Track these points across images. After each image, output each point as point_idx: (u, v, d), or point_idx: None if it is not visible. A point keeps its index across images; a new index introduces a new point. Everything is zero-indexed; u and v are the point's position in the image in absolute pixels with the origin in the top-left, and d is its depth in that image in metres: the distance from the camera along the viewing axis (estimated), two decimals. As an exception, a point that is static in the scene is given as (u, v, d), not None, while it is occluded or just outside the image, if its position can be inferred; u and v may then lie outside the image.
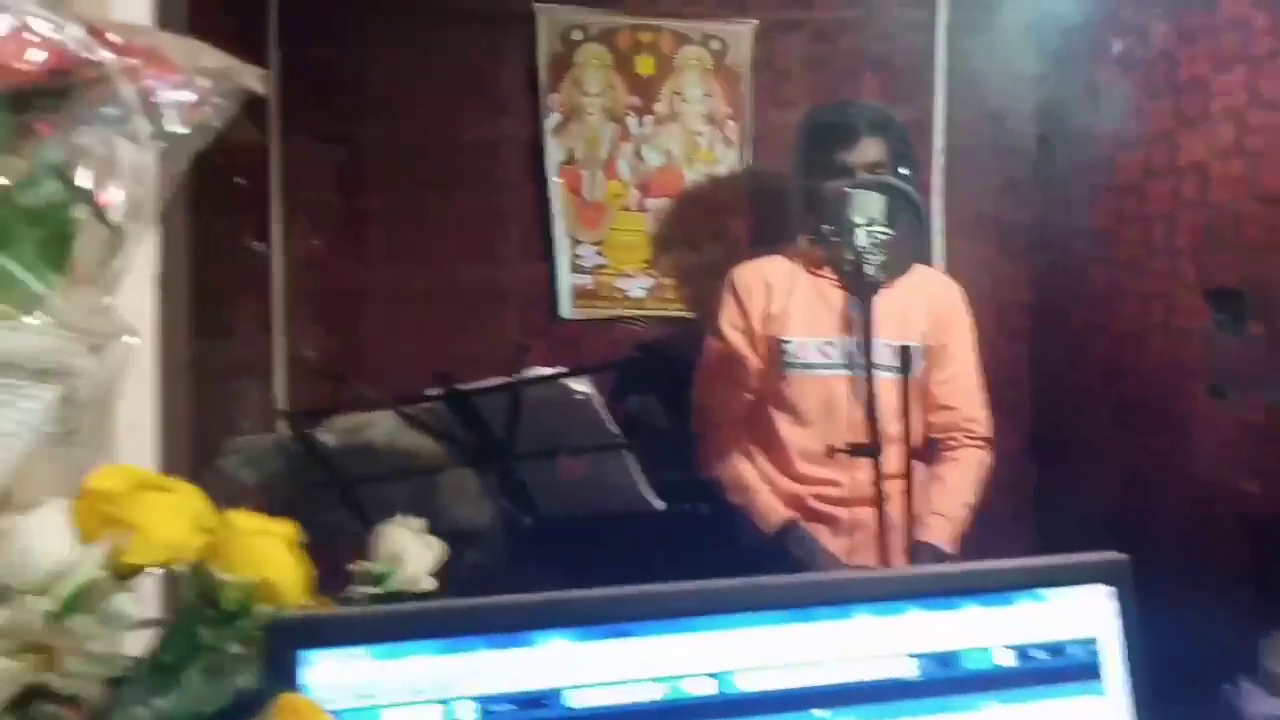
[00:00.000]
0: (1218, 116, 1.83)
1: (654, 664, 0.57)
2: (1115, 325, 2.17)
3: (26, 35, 0.57)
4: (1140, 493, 2.05)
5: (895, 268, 1.59)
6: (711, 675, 0.57)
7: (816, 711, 0.58)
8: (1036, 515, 2.41)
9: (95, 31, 0.62)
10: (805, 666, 0.59)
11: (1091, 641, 0.63)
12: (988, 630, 0.62)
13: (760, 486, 1.78)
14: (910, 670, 0.60)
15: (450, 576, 0.70)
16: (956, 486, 1.79)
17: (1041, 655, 0.62)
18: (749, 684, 0.58)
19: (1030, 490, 2.42)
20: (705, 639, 0.58)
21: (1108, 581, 0.63)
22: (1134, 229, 2.10)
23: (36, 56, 0.58)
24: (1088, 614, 0.63)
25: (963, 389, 1.82)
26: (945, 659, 0.60)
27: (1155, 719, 0.61)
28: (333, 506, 1.20)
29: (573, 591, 0.58)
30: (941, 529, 1.73)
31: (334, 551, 0.70)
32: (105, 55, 0.62)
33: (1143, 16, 2.07)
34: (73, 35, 0.60)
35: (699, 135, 2.40)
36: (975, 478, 1.80)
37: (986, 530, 1.83)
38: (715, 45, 2.40)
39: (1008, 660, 0.61)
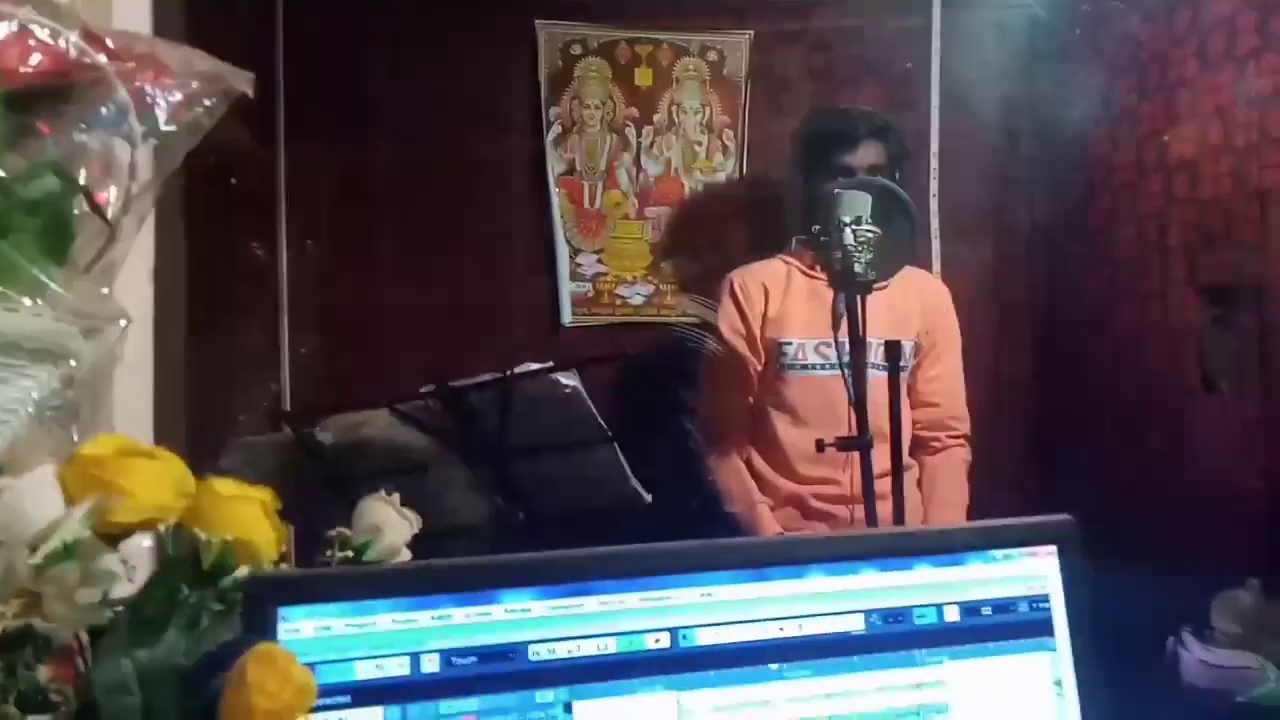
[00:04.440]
0: (1206, 115, 1.85)
1: (612, 620, 0.60)
2: (1113, 325, 2.18)
3: (27, 40, 0.61)
4: (1140, 491, 2.06)
5: (886, 267, 1.60)
6: (668, 630, 0.60)
7: (771, 665, 0.61)
8: (1040, 514, 2.41)
9: (92, 37, 0.66)
10: (760, 623, 0.61)
11: (1044, 599, 0.65)
12: (939, 589, 0.64)
13: (755, 500, 1.80)
14: (862, 626, 0.62)
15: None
16: (954, 481, 1.82)
17: (991, 613, 0.64)
18: (705, 639, 0.60)
19: (1033, 490, 2.43)
20: (663, 596, 0.61)
21: (1054, 542, 0.66)
22: (1128, 228, 2.12)
23: (36, 60, 0.62)
24: (1038, 574, 0.66)
25: (948, 388, 1.85)
26: (897, 615, 0.63)
27: (1098, 671, 0.62)
28: (330, 503, 1.24)
29: (535, 553, 0.61)
30: (955, 519, 1.74)
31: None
32: (100, 59, 0.66)
33: (1131, 19, 2.10)
34: (70, 40, 0.64)
35: (697, 144, 2.44)
36: (962, 474, 1.83)
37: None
38: (713, 56, 2.45)
39: (959, 617, 0.64)
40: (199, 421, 1.59)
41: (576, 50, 2.43)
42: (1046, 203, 2.45)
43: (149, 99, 0.69)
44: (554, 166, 2.42)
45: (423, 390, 1.27)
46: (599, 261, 2.43)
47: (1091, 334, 2.27)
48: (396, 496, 0.71)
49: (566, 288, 2.41)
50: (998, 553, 0.66)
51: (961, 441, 1.85)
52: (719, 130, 2.44)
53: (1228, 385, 1.76)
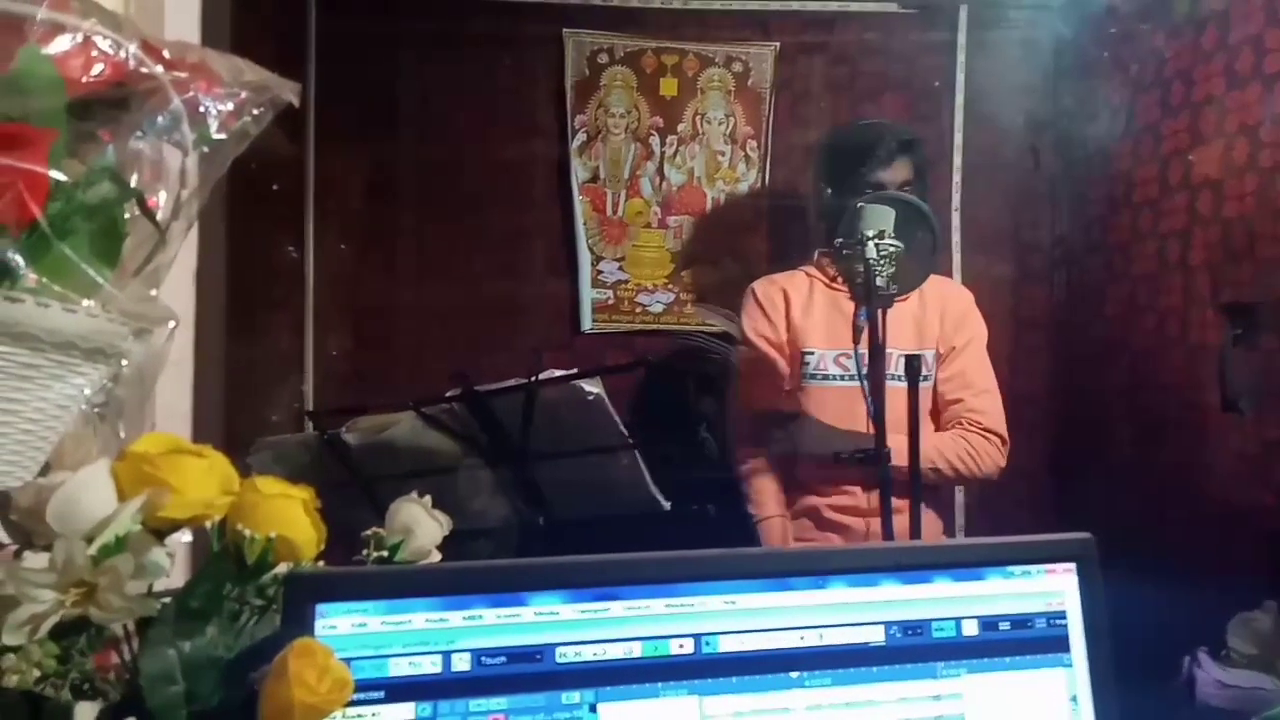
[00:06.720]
0: (1232, 133, 1.85)
1: (638, 625, 0.61)
2: (1133, 342, 2.18)
3: (90, 51, 0.64)
4: (1157, 510, 2.05)
5: (907, 281, 1.60)
6: (692, 636, 0.62)
7: (792, 673, 0.62)
8: (1057, 531, 2.41)
9: (149, 48, 0.69)
10: (782, 632, 0.63)
11: (1061, 616, 0.66)
12: (958, 603, 0.65)
13: (773, 512, 1.80)
14: (882, 638, 0.64)
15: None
16: (944, 442, 1.73)
17: (1009, 628, 0.65)
18: (728, 646, 0.62)
19: (1052, 507, 2.43)
20: (688, 603, 0.62)
21: (1073, 560, 0.67)
22: (1150, 246, 2.11)
23: (98, 70, 0.65)
24: (1056, 591, 0.67)
25: (968, 382, 1.80)
26: (916, 628, 0.64)
27: (1113, 689, 0.63)
28: (355, 503, 1.26)
29: (565, 558, 0.63)
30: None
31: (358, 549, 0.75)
32: (157, 69, 0.69)
33: (1158, 36, 2.10)
34: (130, 51, 0.67)
35: (721, 155, 2.46)
36: (964, 448, 1.74)
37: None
38: (737, 67, 2.47)
39: (977, 632, 0.65)
40: (231, 420, 1.62)
41: (603, 59, 2.45)
42: (1068, 218, 2.45)
43: (201, 108, 0.72)
44: (578, 173, 2.44)
45: (448, 395, 1.29)
46: (620, 269, 2.45)
47: (1110, 351, 2.26)
48: (429, 499, 0.73)
49: (587, 294, 2.44)
50: (1017, 569, 0.67)
51: (983, 433, 1.75)
52: (742, 141, 2.46)
53: (1247, 405, 1.75)
